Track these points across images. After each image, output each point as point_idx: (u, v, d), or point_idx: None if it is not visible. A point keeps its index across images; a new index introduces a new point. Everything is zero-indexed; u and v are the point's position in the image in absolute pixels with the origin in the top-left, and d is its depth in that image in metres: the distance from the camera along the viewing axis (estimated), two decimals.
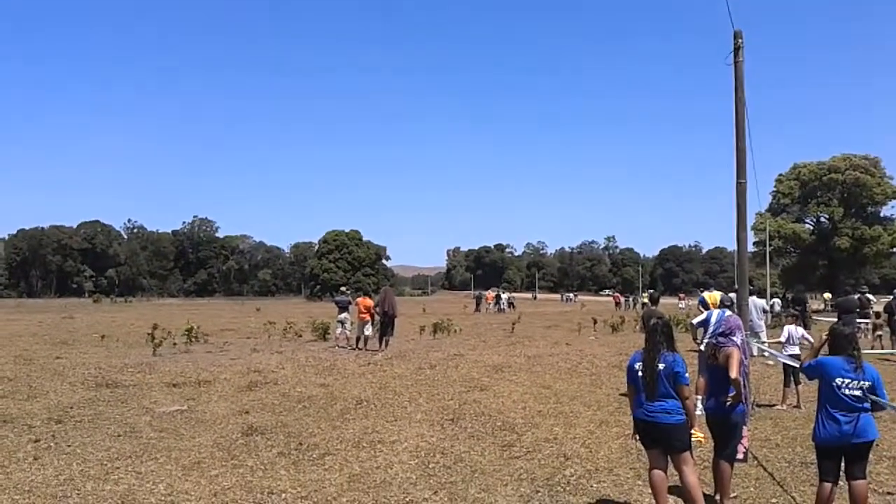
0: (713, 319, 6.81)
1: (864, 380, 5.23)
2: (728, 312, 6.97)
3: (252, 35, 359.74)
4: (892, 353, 16.89)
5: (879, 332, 19.82)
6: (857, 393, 5.20)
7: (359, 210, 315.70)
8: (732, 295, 11.03)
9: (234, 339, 23.32)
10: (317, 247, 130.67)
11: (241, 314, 47.90)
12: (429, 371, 14.50)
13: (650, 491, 5.63)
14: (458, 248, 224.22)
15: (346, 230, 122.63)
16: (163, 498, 6.20)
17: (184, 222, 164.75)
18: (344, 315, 20.37)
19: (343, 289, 23.73)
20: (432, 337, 23.95)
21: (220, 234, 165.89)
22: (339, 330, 20.37)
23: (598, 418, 9.78)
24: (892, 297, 20.91)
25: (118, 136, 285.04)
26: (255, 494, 6.30)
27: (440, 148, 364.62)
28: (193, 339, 20.32)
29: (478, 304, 55.43)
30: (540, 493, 6.35)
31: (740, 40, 10.53)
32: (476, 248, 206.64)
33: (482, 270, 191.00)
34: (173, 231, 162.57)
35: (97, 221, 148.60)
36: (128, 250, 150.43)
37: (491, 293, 61.43)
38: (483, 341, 22.31)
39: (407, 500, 6.18)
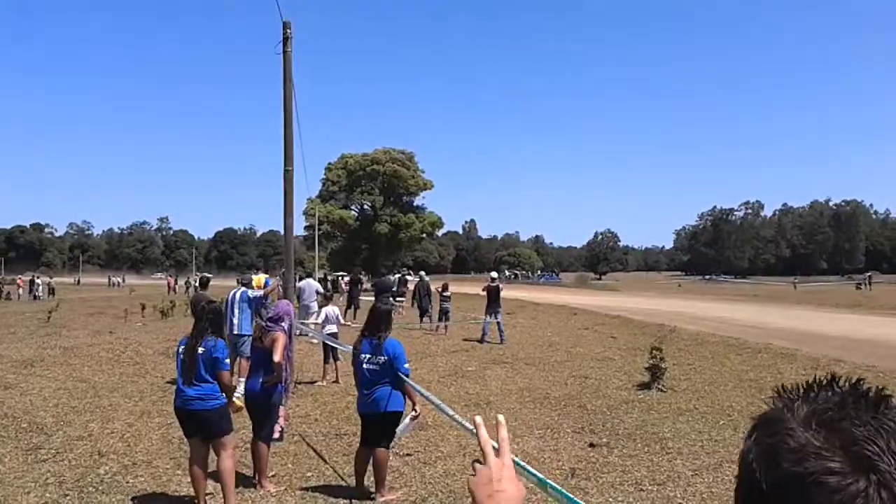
0: (229, 298, 7.20)
1: (381, 355, 5.82)
2: (244, 290, 7.42)
3: None
4: (417, 327, 19.31)
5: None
6: (375, 368, 5.80)
7: None
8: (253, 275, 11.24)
9: None
10: None
11: None
12: None
13: (188, 480, 5.52)
14: None
15: None
16: None
17: None
18: None
19: None
20: None
21: None
22: None
23: (139, 409, 9.27)
24: (417, 279, 23.99)
25: None
26: None
27: None
28: None
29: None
30: (69, 497, 5.81)
31: (289, 31, 10.84)
32: (9, 227, 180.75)
33: (16, 252, 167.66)
34: None
35: None
36: None
37: (22, 279, 54.46)
38: (12, 332, 19.57)
39: None
